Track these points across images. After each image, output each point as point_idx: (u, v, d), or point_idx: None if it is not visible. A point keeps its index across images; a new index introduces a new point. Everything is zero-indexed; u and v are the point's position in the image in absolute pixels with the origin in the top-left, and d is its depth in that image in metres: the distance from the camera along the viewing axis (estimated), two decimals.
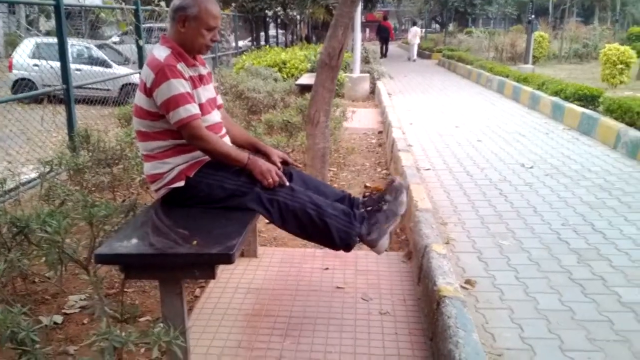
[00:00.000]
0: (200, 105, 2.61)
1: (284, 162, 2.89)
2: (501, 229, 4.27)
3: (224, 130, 2.81)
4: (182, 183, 2.57)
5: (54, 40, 5.98)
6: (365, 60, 17.54)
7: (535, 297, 3.19)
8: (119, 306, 2.54)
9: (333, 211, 2.59)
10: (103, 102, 8.23)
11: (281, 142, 5.18)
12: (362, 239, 2.66)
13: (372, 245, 2.68)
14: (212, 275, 2.06)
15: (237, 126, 3.08)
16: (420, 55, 28.51)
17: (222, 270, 3.46)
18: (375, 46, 30.72)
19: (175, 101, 2.47)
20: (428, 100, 11.79)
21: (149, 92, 2.51)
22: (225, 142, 2.69)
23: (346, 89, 11.96)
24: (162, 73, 2.47)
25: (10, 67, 11.28)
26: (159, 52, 2.57)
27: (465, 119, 9.35)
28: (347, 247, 2.65)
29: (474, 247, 3.95)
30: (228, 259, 2.02)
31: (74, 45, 11.53)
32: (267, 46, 16.75)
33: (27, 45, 11.19)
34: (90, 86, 8.16)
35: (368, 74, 12.50)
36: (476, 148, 7.08)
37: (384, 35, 28.87)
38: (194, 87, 2.61)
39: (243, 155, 2.62)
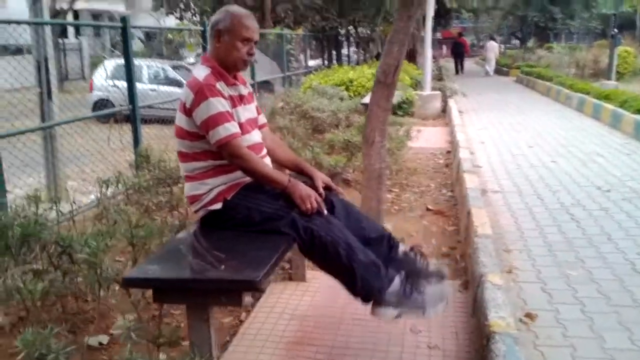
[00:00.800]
0: (240, 125, 2.57)
1: (328, 188, 2.78)
2: (570, 258, 3.99)
3: (264, 151, 2.76)
4: (219, 205, 2.53)
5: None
6: (438, 78, 17.30)
7: (603, 335, 2.92)
8: (157, 330, 2.52)
9: (364, 258, 2.46)
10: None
11: (340, 162, 5.09)
12: (379, 295, 2.52)
13: (379, 305, 2.53)
14: (239, 303, 1.98)
15: (282, 147, 3.02)
16: (498, 71, 27.81)
17: (268, 294, 3.39)
18: (450, 63, 30.33)
19: (215, 120, 2.44)
20: (502, 119, 11.40)
21: (188, 112, 2.50)
22: (266, 162, 2.63)
23: (416, 107, 11.76)
24: (201, 92, 2.46)
25: (90, 88, 11.82)
26: (199, 71, 2.56)
27: (541, 138, 8.95)
28: (366, 298, 2.52)
29: (538, 276, 3.70)
30: (254, 287, 1.94)
31: (151, 66, 11.97)
32: (337, 65, 16.79)
33: (107, 66, 11.70)
34: (162, 106, 8.41)
35: (439, 92, 12.25)
36: (550, 169, 6.74)
37: (459, 51, 28.46)
38: (234, 106, 2.58)
39: (283, 177, 2.55)
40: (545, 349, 2.80)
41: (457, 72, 28.57)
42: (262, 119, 2.93)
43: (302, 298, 3.32)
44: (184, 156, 2.61)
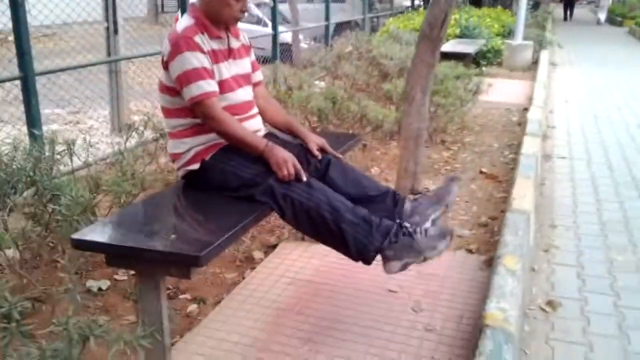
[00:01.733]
0: (222, 82, 2.40)
1: (322, 150, 2.58)
2: (622, 240, 3.60)
3: (254, 110, 2.58)
4: (197, 166, 2.40)
5: None
6: (541, 26, 16.12)
7: (629, 335, 2.61)
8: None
9: (352, 217, 2.24)
10: (259, 61, 8.37)
11: (388, 116, 4.82)
12: (377, 253, 2.30)
13: (384, 262, 2.31)
14: (187, 276, 1.86)
15: (275, 106, 2.81)
16: (611, 21, 25.67)
17: (276, 253, 3.29)
18: (559, 8, 28.46)
19: (187, 77, 2.28)
20: (598, 75, 10.49)
21: (165, 65, 2.35)
22: (244, 125, 2.44)
23: (504, 57, 11.03)
24: (177, 45, 2.29)
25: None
26: (181, 22, 2.40)
27: (636, 100, 8.15)
28: (365, 261, 2.30)
29: (577, 259, 3.37)
30: (195, 262, 1.81)
31: None
32: (422, 9, 15.98)
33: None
34: None
35: (531, 42, 11.38)
36: (632, 136, 6.12)
37: None
38: (216, 61, 2.39)
39: (260, 142, 2.36)
40: (557, 345, 2.54)
41: (565, 18, 26.79)
42: (258, 76, 2.73)
43: (309, 261, 3.18)
44: (166, 112, 2.47)
